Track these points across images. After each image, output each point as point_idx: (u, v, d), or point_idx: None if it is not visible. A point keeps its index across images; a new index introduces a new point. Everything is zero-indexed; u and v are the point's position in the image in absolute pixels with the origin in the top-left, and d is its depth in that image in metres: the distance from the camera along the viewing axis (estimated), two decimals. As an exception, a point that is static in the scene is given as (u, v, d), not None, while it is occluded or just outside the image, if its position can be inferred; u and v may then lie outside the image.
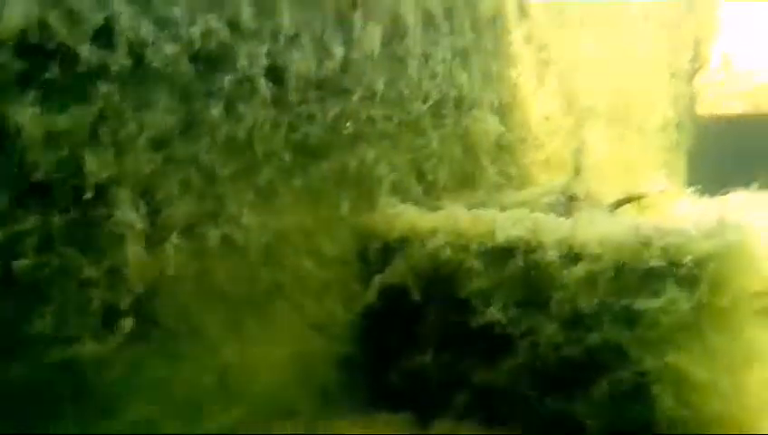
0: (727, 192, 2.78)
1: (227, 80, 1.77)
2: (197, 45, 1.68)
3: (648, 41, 4.33)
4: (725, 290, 1.75)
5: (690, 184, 3.40)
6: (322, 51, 2.07)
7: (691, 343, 1.77)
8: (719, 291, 1.75)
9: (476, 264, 2.04)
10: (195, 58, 1.68)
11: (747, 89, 5.06)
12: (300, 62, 1.98)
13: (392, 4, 2.32)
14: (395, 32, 2.36)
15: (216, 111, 1.75)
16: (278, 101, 1.94)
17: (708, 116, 5.10)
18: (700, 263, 1.76)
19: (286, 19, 1.90)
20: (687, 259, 1.76)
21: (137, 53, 1.54)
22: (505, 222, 2.06)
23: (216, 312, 1.86)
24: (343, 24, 2.14)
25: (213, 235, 1.81)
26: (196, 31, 1.66)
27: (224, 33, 1.74)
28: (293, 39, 1.96)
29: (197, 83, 1.70)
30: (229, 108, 1.79)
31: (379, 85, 2.29)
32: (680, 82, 4.91)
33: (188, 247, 1.73)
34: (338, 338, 2.19)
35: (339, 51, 2.11)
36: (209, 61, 1.72)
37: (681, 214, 2.58)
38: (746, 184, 2.82)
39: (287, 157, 2.00)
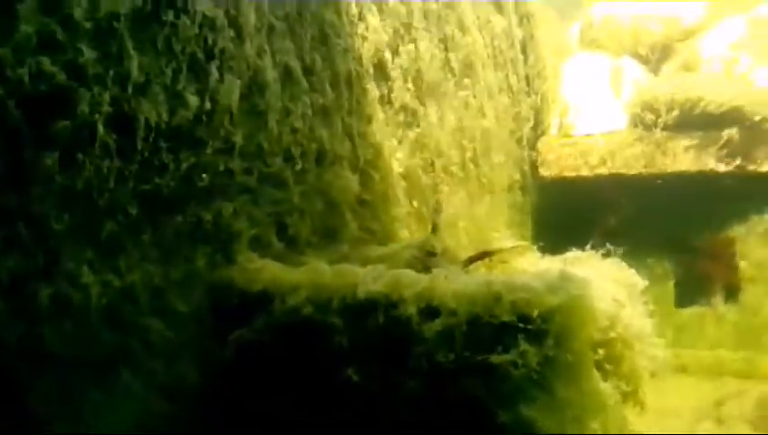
0: (568, 249, 3.01)
1: (63, 126, 1.63)
2: (27, 88, 1.53)
3: (496, 111, 4.69)
4: (570, 343, 1.85)
5: (535, 241, 3.64)
6: (175, 100, 1.98)
7: (540, 395, 1.83)
8: (564, 344, 1.84)
9: (337, 320, 2.01)
10: (23, 102, 1.52)
11: (582, 152, 5.61)
12: (149, 111, 1.87)
13: (251, 58, 2.29)
14: (254, 85, 2.32)
15: (49, 159, 1.60)
16: (124, 151, 1.82)
17: (550, 178, 5.59)
18: (546, 317, 1.85)
19: (134, 65, 1.81)
20: (535, 313, 1.84)
21: None
22: (367, 277, 2.05)
23: (47, 381, 1.65)
24: (198, 73, 2.06)
25: (44, 294, 1.63)
26: (24, 72, 1.51)
27: (60, 77, 1.60)
28: (143, 86, 1.86)
29: (27, 129, 1.54)
30: (65, 156, 1.64)
31: (238, 138, 2.23)
32: (524, 148, 5.36)
33: (12, 308, 1.54)
34: (190, 402, 2.03)
35: (193, 100, 2.03)
36: (42, 105, 1.57)
37: (529, 270, 2.74)
38: (584, 240, 3.08)
39: (134, 210, 1.87)
